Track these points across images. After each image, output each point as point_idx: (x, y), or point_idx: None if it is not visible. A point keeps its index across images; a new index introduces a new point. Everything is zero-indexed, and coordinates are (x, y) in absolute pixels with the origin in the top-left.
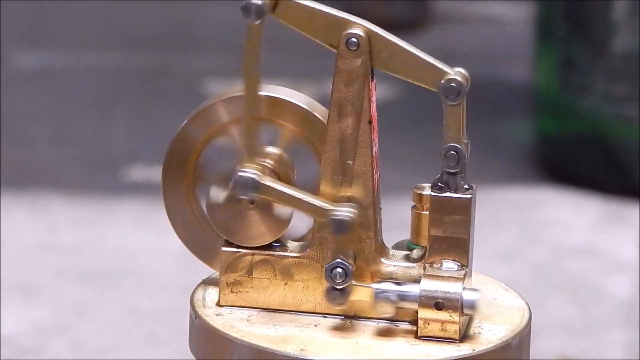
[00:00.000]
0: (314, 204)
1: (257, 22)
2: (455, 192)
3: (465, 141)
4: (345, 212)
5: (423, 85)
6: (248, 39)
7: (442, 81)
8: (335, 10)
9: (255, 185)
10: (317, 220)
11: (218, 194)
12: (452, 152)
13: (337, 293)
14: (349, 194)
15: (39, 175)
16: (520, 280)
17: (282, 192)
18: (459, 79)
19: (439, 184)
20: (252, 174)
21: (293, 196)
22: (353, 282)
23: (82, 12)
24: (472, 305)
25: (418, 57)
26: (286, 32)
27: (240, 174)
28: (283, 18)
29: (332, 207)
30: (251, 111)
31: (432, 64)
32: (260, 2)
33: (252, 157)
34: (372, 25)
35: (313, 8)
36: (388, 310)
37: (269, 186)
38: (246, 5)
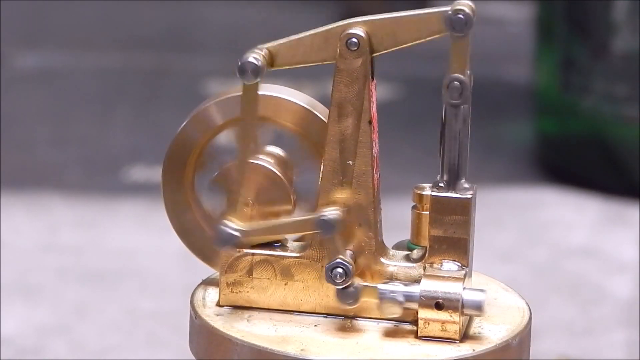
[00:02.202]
0: (299, 221)
1: (255, 82)
2: (455, 191)
3: (469, 74)
4: (329, 212)
5: (436, 38)
6: (245, 97)
7: (449, 12)
8: (325, 26)
9: (236, 241)
10: (310, 232)
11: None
12: (455, 82)
13: (349, 293)
14: (349, 194)
15: (40, 175)
16: (521, 281)
17: (266, 230)
18: (466, 9)
19: (439, 184)
20: (232, 230)
21: (277, 226)
22: (362, 282)
23: (82, 13)
24: (478, 306)
25: (417, 15)
26: (286, 31)
27: (222, 229)
28: (283, 65)
29: (315, 215)
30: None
31: (433, 12)
32: (258, 63)
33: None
34: (364, 17)
35: (304, 37)
36: (395, 311)
37: (252, 235)
38: (242, 66)
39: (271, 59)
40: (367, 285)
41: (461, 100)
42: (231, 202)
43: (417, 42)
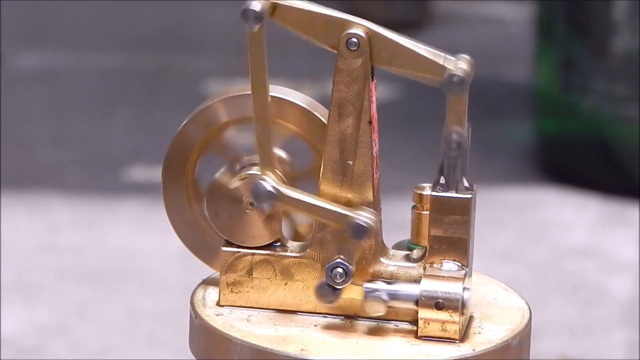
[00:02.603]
0: (334, 211)
1: (257, 28)
2: (456, 191)
3: (467, 128)
4: (364, 217)
5: (426, 81)
6: (251, 45)
7: (444, 76)
8: (334, 11)
9: (274, 196)
10: (336, 227)
11: (223, 183)
12: (453, 136)
13: (328, 290)
14: (349, 194)
15: (40, 175)
16: (521, 281)
17: (300, 201)
18: (460, 73)
19: (440, 183)
20: (271, 185)
21: (312, 204)
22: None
23: (82, 13)
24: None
25: (419, 53)
26: (286, 32)
27: (259, 182)
28: (282, 21)
29: (351, 214)
30: (263, 116)
31: (433, 60)
32: (258, 8)
33: (268, 163)
34: (372, 24)
35: (311, 10)
36: (379, 309)
37: (287, 196)
38: (245, 11)
39: (273, 10)
40: (352, 284)
41: (459, 153)
42: (265, 158)
43: (411, 74)
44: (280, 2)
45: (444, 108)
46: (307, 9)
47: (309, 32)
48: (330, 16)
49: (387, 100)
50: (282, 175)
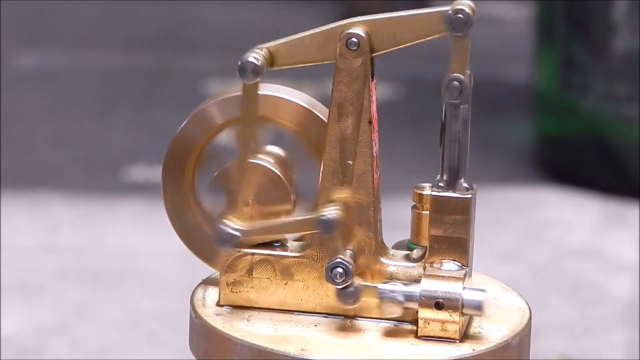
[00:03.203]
0: (299, 220)
1: (255, 81)
2: (455, 191)
3: (469, 74)
4: (329, 211)
5: (436, 38)
6: (244, 97)
7: (449, 12)
8: (325, 25)
9: (236, 241)
10: (310, 232)
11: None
12: (455, 82)
13: (349, 292)
14: (349, 193)
15: (40, 175)
16: (521, 281)
17: (265, 229)
18: (465, 9)
19: (439, 184)
20: (232, 230)
21: (277, 226)
22: (362, 281)
23: (82, 13)
24: (478, 306)
25: (417, 15)
26: (287, 31)
27: (222, 228)
28: (283, 64)
29: (313, 215)
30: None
31: (433, 12)
32: (258, 62)
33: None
34: (365, 16)
35: (306, 35)
36: (395, 311)
37: (251, 234)
38: (242, 66)
39: (271, 59)
40: (367, 285)
41: (461, 99)
42: (231, 201)
43: (417, 41)
44: (276, 45)
45: (449, 48)
46: (299, 38)
47: (311, 57)
48: (327, 29)
49: (387, 100)
50: (246, 202)
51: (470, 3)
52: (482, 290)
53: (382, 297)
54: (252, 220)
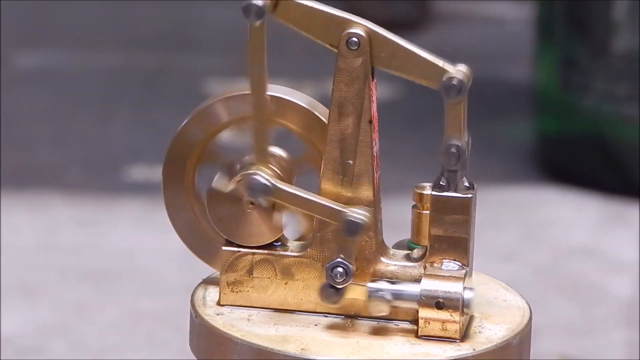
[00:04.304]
0: (328, 206)
1: (258, 23)
2: (456, 191)
3: (466, 139)
4: (359, 214)
5: (424, 84)
6: (251, 40)
7: (443, 79)
8: (335, 10)
9: (268, 189)
10: (331, 222)
11: (220, 189)
12: (452, 150)
13: (332, 291)
14: (350, 193)
15: (40, 175)
16: (521, 280)
17: (295, 195)
18: (459, 77)
19: (440, 183)
20: (265, 179)
21: (306, 199)
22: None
23: (82, 12)
24: (467, 304)
25: (419, 55)
26: (287, 31)
27: (254, 177)
28: (283, 18)
29: (345, 210)
30: (260, 112)
31: (433, 63)
32: (260, 3)
33: (263, 159)
34: (372, 24)
35: (313, 8)
36: (383, 309)
37: (282, 190)
38: (247, 6)
39: (275, 5)
40: (354, 284)
41: (459, 164)
42: (261, 154)
43: (410, 77)
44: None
45: (444, 113)
46: (308, 6)
47: (309, 30)
48: (331, 14)
49: (388, 99)
50: (278, 172)
51: (466, 70)
52: (470, 288)
53: (370, 295)
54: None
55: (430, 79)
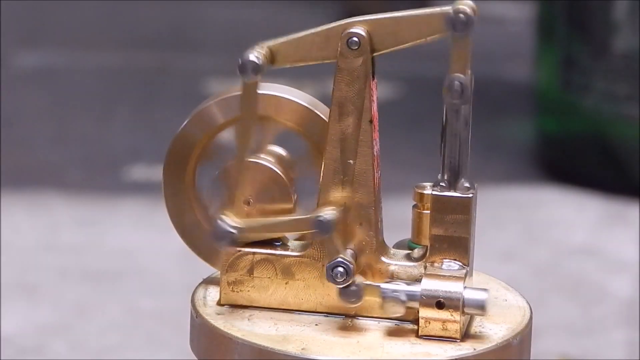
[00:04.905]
0: (295, 220)
1: (255, 80)
2: (456, 190)
3: (470, 75)
4: (326, 212)
5: (437, 38)
6: (243, 96)
7: (450, 12)
8: (326, 25)
9: (232, 238)
10: (306, 232)
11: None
12: (456, 82)
13: (351, 291)
14: (350, 193)
15: (40, 175)
16: (522, 280)
17: (262, 227)
18: (467, 9)
19: (441, 184)
20: (229, 226)
21: (272, 225)
22: (364, 280)
23: (82, 12)
24: (481, 306)
25: (418, 15)
26: (287, 30)
27: (218, 224)
28: (284, 63)
29: (312, 214)
30: (241, 158)
31: (433, 12)
32: (259, 60)
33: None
34: (366, 16)
35: (306, 36)
36: (398, 310)
37: (248, 232)
38: (243, 64)
39: (272, 57)
40: (369, 284)
41: (462, 100)
42: (229, 198)
43: (418, 41)
44: (277, 44)
45: (450, 48)
46: (301, 37)
47: (311, 57)
48: (324, 30)
49: (388, 99)
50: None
51: (472, 3)
52: (484, 289)
53: (385, 296)
54: (249, 217)
55: (439, 29)
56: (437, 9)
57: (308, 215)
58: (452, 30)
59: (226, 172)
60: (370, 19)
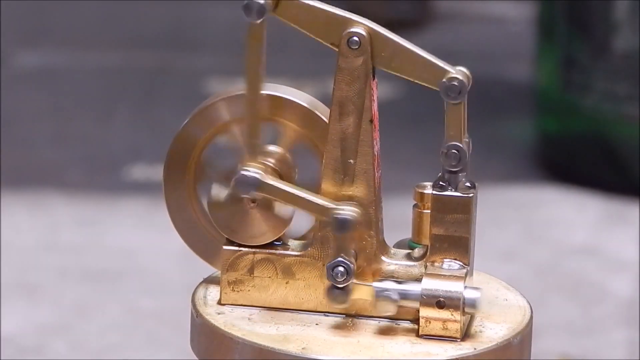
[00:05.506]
0: (316, 203)
1: (259, 21)
2: (457, 190)
3: (467, 140)
4: (347, 210)
5: (425, 84)
6: (250, 38)
7: (444, 80)
8: (336, 8)
9: (257, 184)
10: (319, 218)
11: (220, 192)
12: (453, 150)
13: (338, 292)
14: (350, 192)
15: (40, 174)
16: (522, 279)
17: (284, 191)
18: (460, 77)
19: (440, 183)
20: (255, 173)
21: (295, 195)
22: (354, 280)
23: (83, 11)
24: (474, 304)
25: (419, 55)
26: (287, 30)
27: (243, 172)
28: (284, 17)
29: (334, 206)
30: (253, 110)
31: (434, 63)
32: (262, 1)
33: (254, 156)
34: (373, 23)
35: (314, 6)
36: (389, 309)
37: (271, 185)
38: (248, 5)
39: (276, 4)
40: (361, 284)
41: (460, 165)
42: (252, 149)
43: (410, 77)
44: None
45: (444, 113)
46: (310, 5)
47: (310, 29)
48: (333, 13)
49: (388, 99)
50: (272, 167)
51: (466, 71)
52: (477, 288)
53: (377, 295)
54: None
55: (430, 80)
56: (438, 63)
57: (329, 205)
58: (445, 97)
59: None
60: (375, 29)
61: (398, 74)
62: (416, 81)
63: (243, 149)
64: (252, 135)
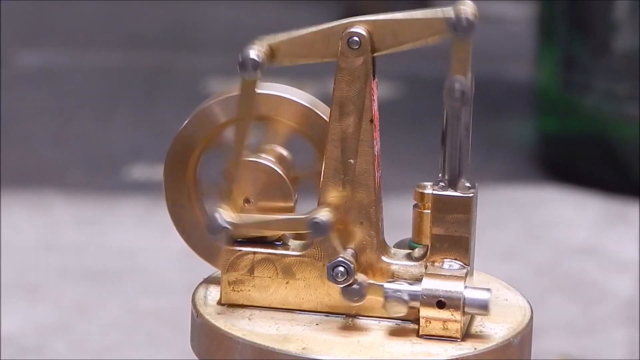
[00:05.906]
0: (289, 219)
1: (255, 77)
2: (457, 190)
3: (471, 79)
4: (320, 214)
5: (436, 40)
6: (242, 92)
7: (451, 14)
8: (327, 23)
9: (226, 232)
10: (299, 232)
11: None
12: (456, 88)
13: (354, 290)
14: (351, 192)
15: (41, 174)
16: (522, 279)
17: (257, 224)
18: (468, 11)
19: (441, 183)
20: (223, 221)
21: (267, 222)
22: (367, 279)
23: (83, 11)
24: (484, 306)
25: (418, 18)
26: (287, 31)
27: (214, 217)
28: (284, 60)
29: (306, 215)
30: (237, 154)
31: (434, 16)
32: (259, 57)
33: (227, 198)
34: (368, 16)
35: (309, 32)
36: (400, 310)
37: (242, 228)
38: (243, 61)
39: (272, 54)
40: (372, 283)
41: (462, 103)
42: (227, 194)
43: (419, 42)
44: (277, 41)
45: (450, 51)
46: (302, 35)
47: (311, 56)
48: (326, 28)
49: (389, 98)
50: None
51: (473, 5)
52: (487, 289)
53: (388, 296)
54: (246, 213)
55: (439, 31)
56: (438, 11)
57: (303, 216)
58: (452, 33)
59: (227, 170)
60: (371, 20)
61: (409, 47)
62: (428, 42)
63: (231, 152)
64: (231, 177)
